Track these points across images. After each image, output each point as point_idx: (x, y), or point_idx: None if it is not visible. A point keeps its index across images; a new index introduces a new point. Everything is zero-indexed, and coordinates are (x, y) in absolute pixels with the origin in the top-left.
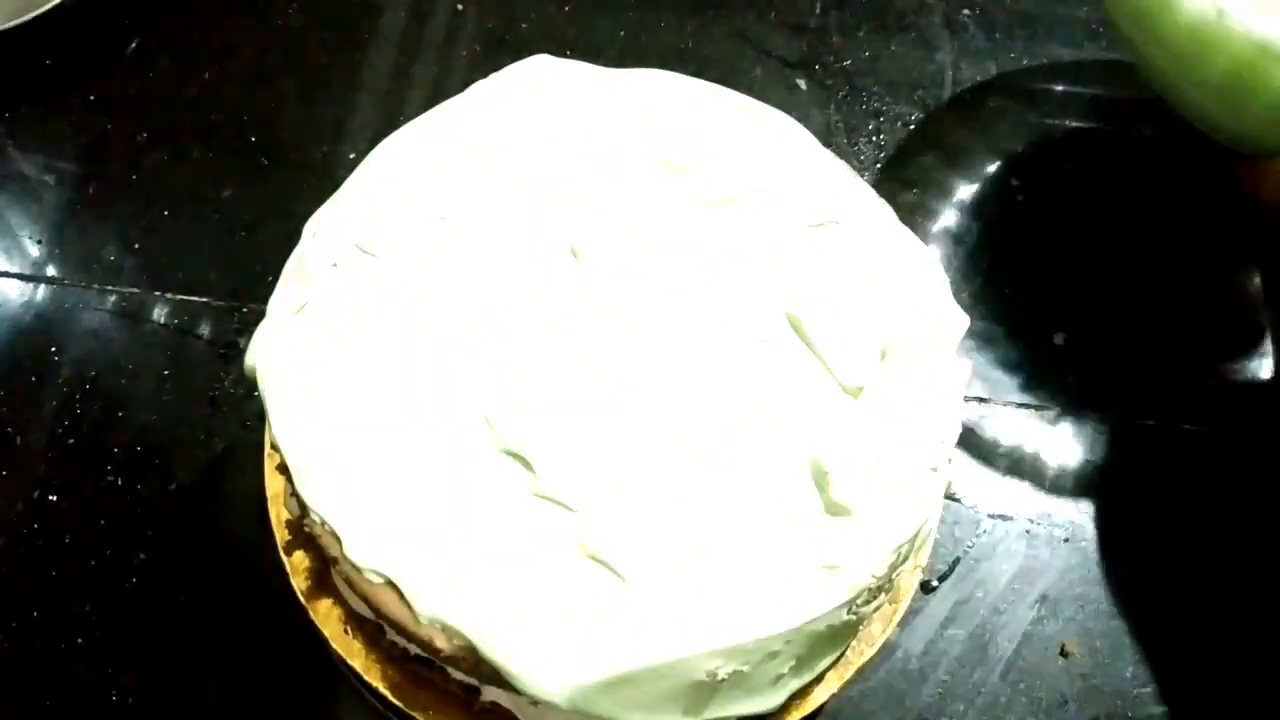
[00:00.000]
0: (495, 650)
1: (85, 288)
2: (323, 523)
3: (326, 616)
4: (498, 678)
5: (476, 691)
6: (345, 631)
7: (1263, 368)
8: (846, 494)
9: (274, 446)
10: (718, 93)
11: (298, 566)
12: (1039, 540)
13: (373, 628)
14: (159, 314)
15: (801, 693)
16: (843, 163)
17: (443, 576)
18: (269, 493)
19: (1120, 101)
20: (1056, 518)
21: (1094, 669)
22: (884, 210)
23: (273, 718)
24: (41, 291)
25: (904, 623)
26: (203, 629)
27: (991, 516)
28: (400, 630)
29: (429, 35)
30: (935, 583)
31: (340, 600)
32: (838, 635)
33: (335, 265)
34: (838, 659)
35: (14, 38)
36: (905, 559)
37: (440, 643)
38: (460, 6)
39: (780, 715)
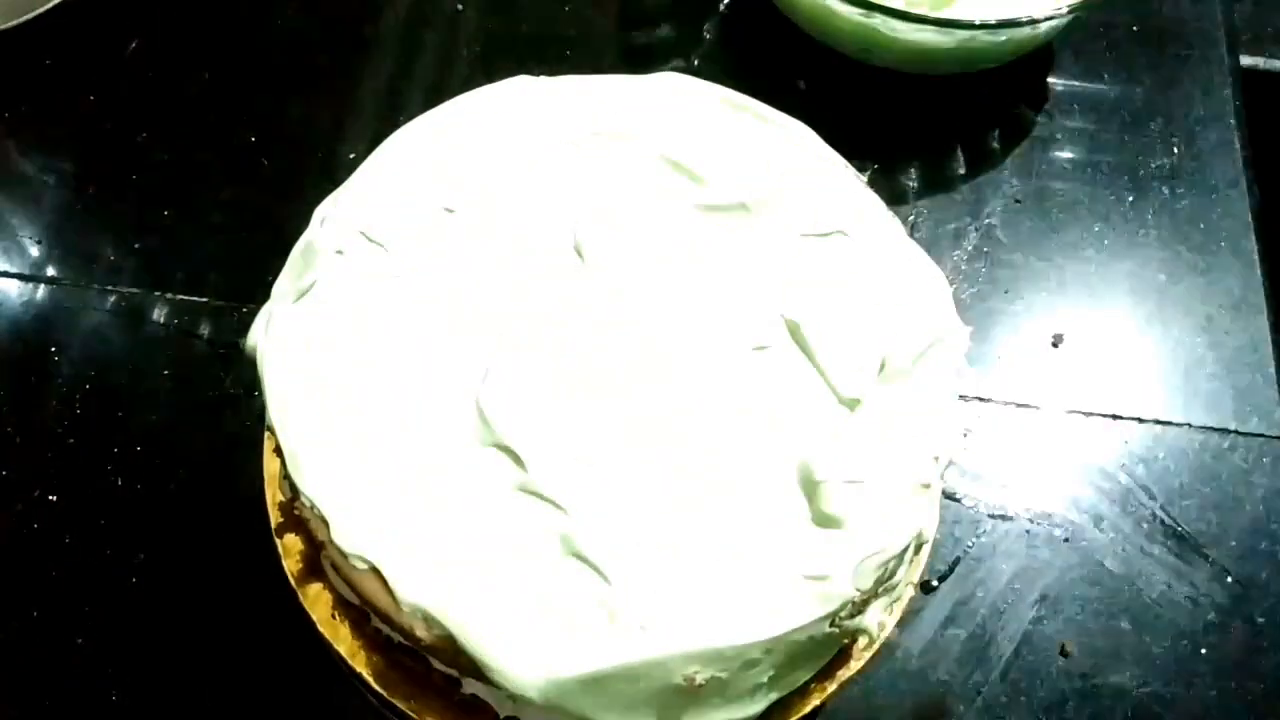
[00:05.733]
0: (474, 642)
1: (85, 288)
2: (312, 506)
3: (315, 601)
4: (476, 670)
5: (457, 683)
6: (333, 617)
7: (1263, 367)
8: (836, 505)
9: (270, 429)
10: (730, 97)
11: (290, 549)
12: (1039, 540)
13: (358, 614)
14: (159, 314)
15: (799, 693)
16: (853, 171)
17: (427, 566)
18: (266, 474)
19: (1121, 100)
20: (1056, 518)
21: (1094, 669)
22: (891, 221)
23: (273, 717)
24: (41, 291)
25: (904, 623)
26: (202, 628)
27: (991, 516)
28: (383, 617)
29: (429, 35)
30: (935, 583)
31: (329, 586)
32: (819, 647)
33: (340, 252)
34: (819, 672)
35: (14, 38)
36: (893, 574)
37: (421, 632)
38: (460, 6)
39: (779, 713)
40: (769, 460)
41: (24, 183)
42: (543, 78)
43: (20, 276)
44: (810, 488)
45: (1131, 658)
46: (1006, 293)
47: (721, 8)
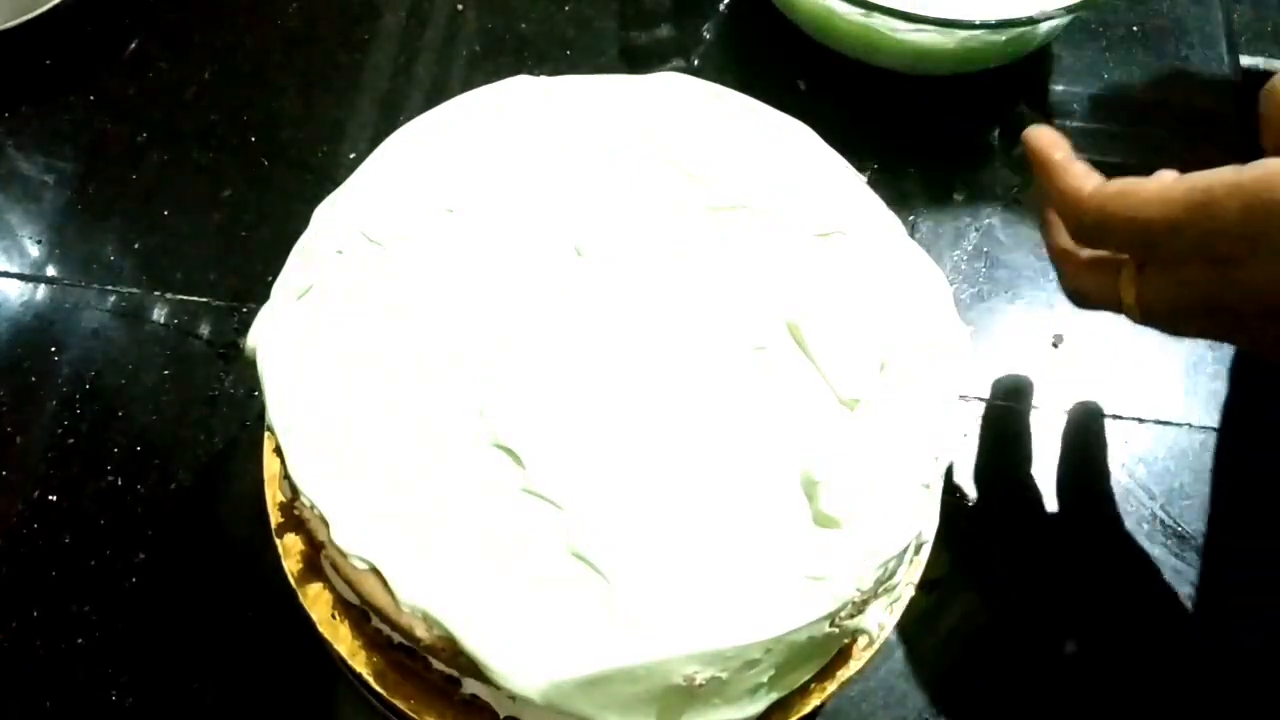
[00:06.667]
0: (474, 643)
1: (85, 288)
2: (312, 506)
3: (315, 600)
4: (476, 670)
5: (457, 683)
6: (333, 617)
7: (1263, 367)
8: (836, 506)
9: (270, 429)
10: (730, 97)
11: (290, 549)
12: (1039, 540)
13: (358, 614)
14: (159, 314)
15: (799, 693)
16: (854, 171)
17: (426, 566)
18: (266, 474)
19: (1121, 101)
20: (1056, 518)
21: (1095, 668)
22: (892, 222)
23: (273, 717)
24: (41, 291)
25: (904, 623)
26: (202, 628)
27: (992, 516)
28: (383, 618)
29: (429, 35)
30: (935, 583)
31: (329, 586)
32: (819, 647)
33: (340, 252)
34: (819, 672)
35: (14, 38)
36: (893, 574)
37: (421, 632)
38: (460, 6)
39: (779, 714)
40: (769, 460)
41: (24, 183)
42: (543, 78)
43: (20, 276)
44: (810, 488)
45: (1132, 658)
46: (1006, 293)
47: (721, 8)
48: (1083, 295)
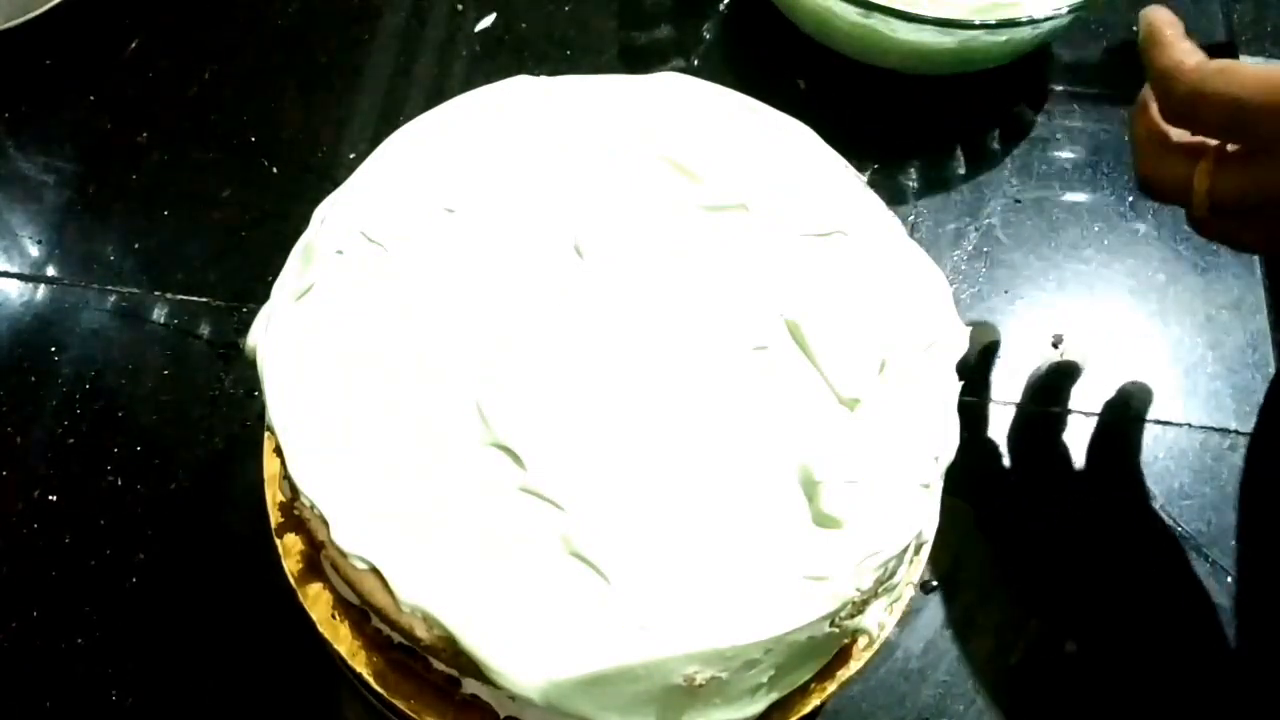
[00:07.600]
0: (474, 642)
1: (85, 288)
2: (312, 506)
3: (315, 600)
4: (476, 670)
5: (457, 683)
6: (333, 617)
7: (1263, 367)
8: (836, 506)
9: (270, 429)
10: (730, 97)
11: (290, 549)
12: (1039, 540)
13: (358, 614)
14: (159, 314)
15: (799, 693)
16: (854, 171)
17: (426, 566)
18: (266, 474)
19: (1121, 100)
20: (1056, 518)
21: (1095, 668)
22: (892, 221)
23: (273, 717)
24: (41, 291)
25: (904, 623)
26: (203, 628)
27: (991, 516)
28: (383, 617)
29: (429, 35)
30: (935, 583)
31: (329, 586)
32: (819, 647)
33: (340, 252)
34: (819, 672)
35: (14, 38)
36: (893, 574)
37: (421, 632)
38: (460, 6)
39: (779, 714)
40: (769, 460)
41: (24, 183)
42: (543, 78)
43: (20, 276)
44: (810, 488)
45: (1132, 657)
46: (1006, 293)
47: (721, 8)
48: (1155, 182)
